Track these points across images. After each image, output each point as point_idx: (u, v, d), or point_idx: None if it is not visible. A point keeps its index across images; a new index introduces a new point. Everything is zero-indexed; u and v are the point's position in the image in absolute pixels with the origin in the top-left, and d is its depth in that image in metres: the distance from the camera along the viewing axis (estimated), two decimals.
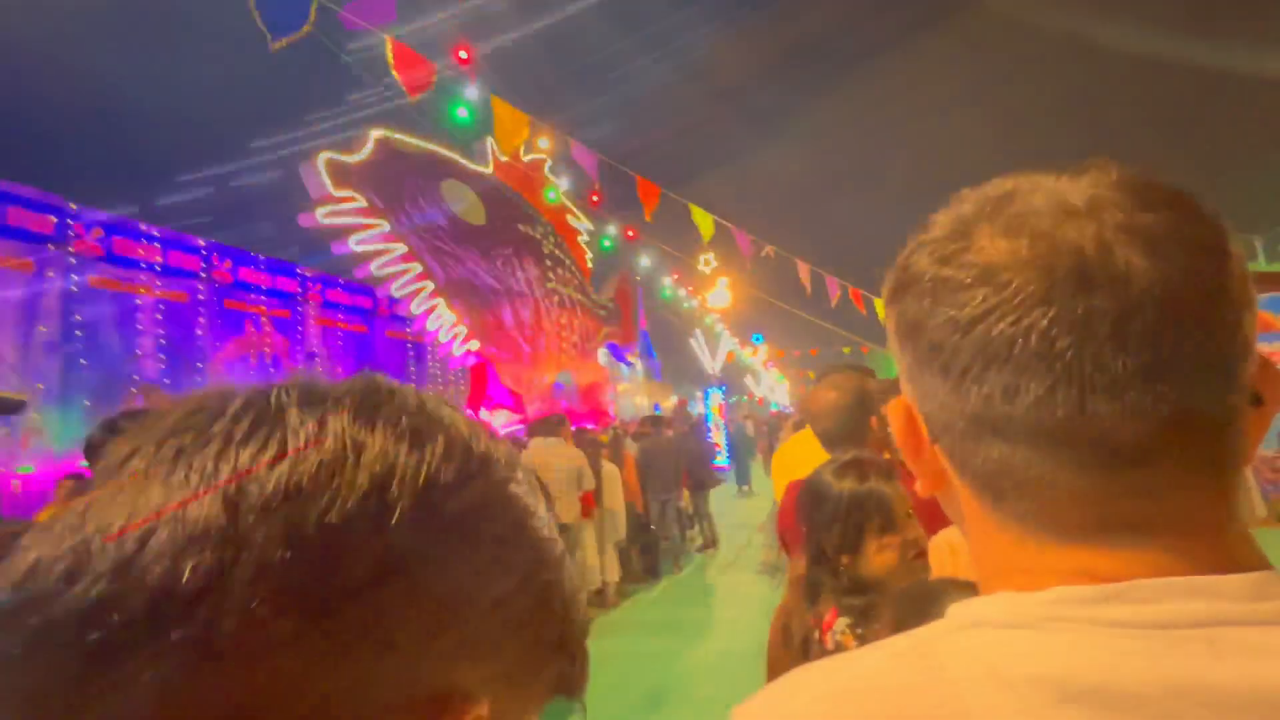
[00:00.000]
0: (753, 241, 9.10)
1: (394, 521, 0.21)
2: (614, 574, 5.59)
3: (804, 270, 9.54)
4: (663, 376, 25.62)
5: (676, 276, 14.61)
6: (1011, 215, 0.32)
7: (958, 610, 0.33)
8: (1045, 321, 0.29)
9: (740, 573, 6.13)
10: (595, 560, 4.99)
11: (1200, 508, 0.31)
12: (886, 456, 2.18)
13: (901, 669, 0.32)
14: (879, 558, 0.98)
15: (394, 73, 4.39)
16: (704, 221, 7.62)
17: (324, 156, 9.32)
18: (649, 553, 6.23)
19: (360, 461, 0.21)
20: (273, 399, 0.23)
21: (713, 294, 14.32)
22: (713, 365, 21.40)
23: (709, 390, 18.91)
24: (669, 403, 20.62)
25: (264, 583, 0.18)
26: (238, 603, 0.18)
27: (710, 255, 13.47)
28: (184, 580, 0.17)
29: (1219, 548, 0.31)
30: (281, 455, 0.20)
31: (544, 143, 9.70)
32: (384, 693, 0.20)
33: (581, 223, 14.89)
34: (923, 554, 1.02)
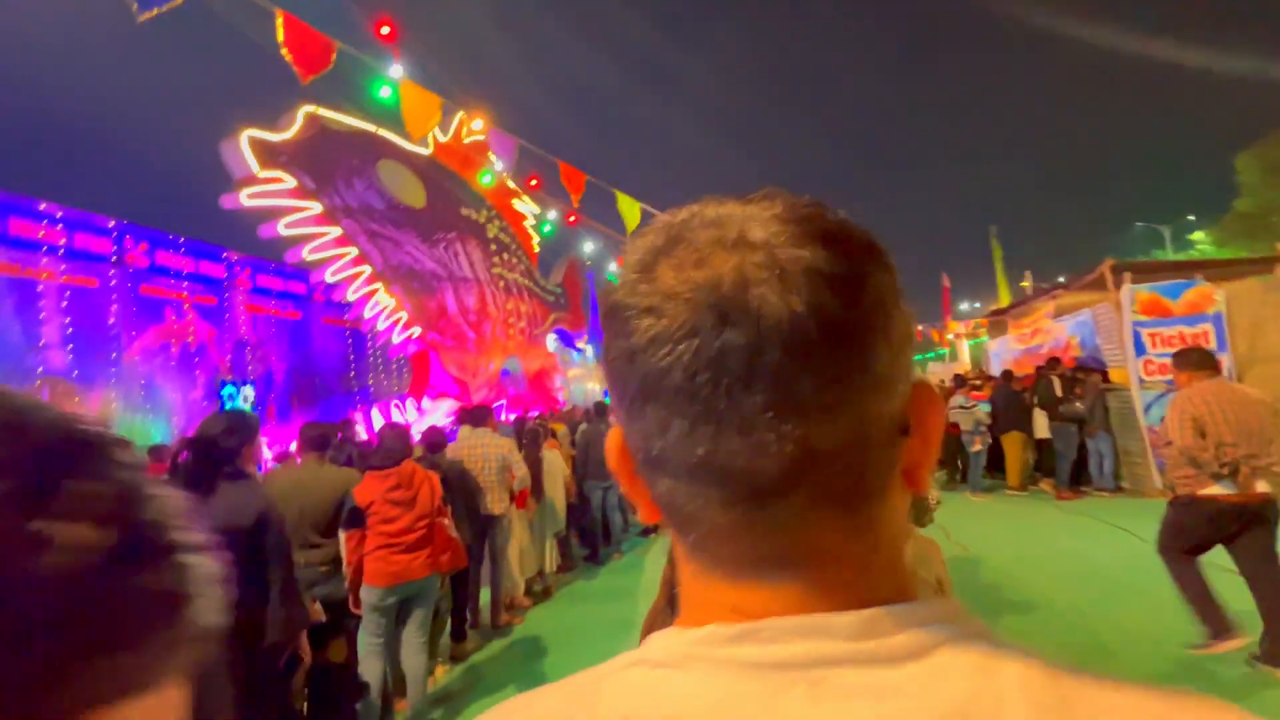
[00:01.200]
0: None
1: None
2: (552, 563, 5.58)
3: None
4: None
5: (622, 262, 14.55)
6: (680, 246, 0.32)
7: (639, 648, 0.34)
8: (689, 357, 0.30)
9: None
10: (530, 549, 4.97)
11: (835, 542, 0.32)
12: None
13: (566, 708, 0.33)
14: None
15: (284, 51, 3.97)
16: (630, 210, 7.57)
17: (247, 134, 8.83)
18: (589, 539, 6.25)
19: None
20: None
21: None
22: None
23: None
24: None
25: None
26: None
27: None
28: None
29: (853, 582, 0.32)
30: None
31: (478, 123, 9.41)
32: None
33: (528, 206, 14.64)
34: None
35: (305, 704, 2.55)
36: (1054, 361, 8.40)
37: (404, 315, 10.53)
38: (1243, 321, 7.38)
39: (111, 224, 9.17)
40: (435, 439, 4.22)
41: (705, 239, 0.32)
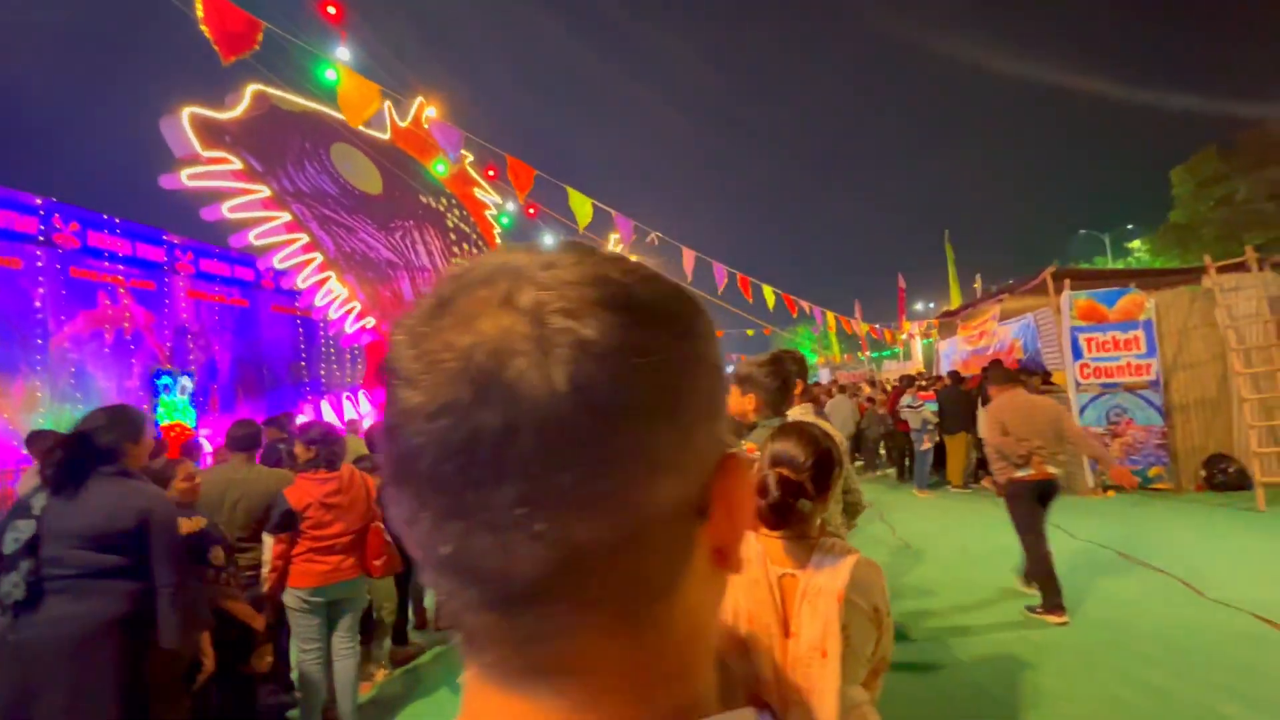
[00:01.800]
0: (635, 227, 9.11)
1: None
2: None
3: (688, 257, 9.70)
4: None
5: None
6: (456, 303, 0.28)
7: None
8: (439, 438, 0.26)
9: None
10: None
11: (606, 651, 0.28)
12: None
13: None
14: None
15: (203, 27, 3.66)
16: (581, 207, 7.49)
17: (188, 111, 8.41)
18: None
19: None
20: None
21: None
22: None
23: None
24: None
25: None
26: None
27: (617, 235, 13.42)
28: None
29: (628, 696, 0.28)
30: None
31: (431, 111, 9.17)
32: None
33: (490, 196, 14.39)
34: None
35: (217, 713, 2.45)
36: (996, 363, 8.72)
37: (358, 304, 10.23)
38: (1171, 329, 7.79)
39: (39, 201, 8.64)
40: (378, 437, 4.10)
41: (478, 298, 0.28)
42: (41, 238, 8.60)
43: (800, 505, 1.25)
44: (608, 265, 0.30)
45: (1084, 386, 7.92)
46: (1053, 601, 3.88)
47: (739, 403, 2.27)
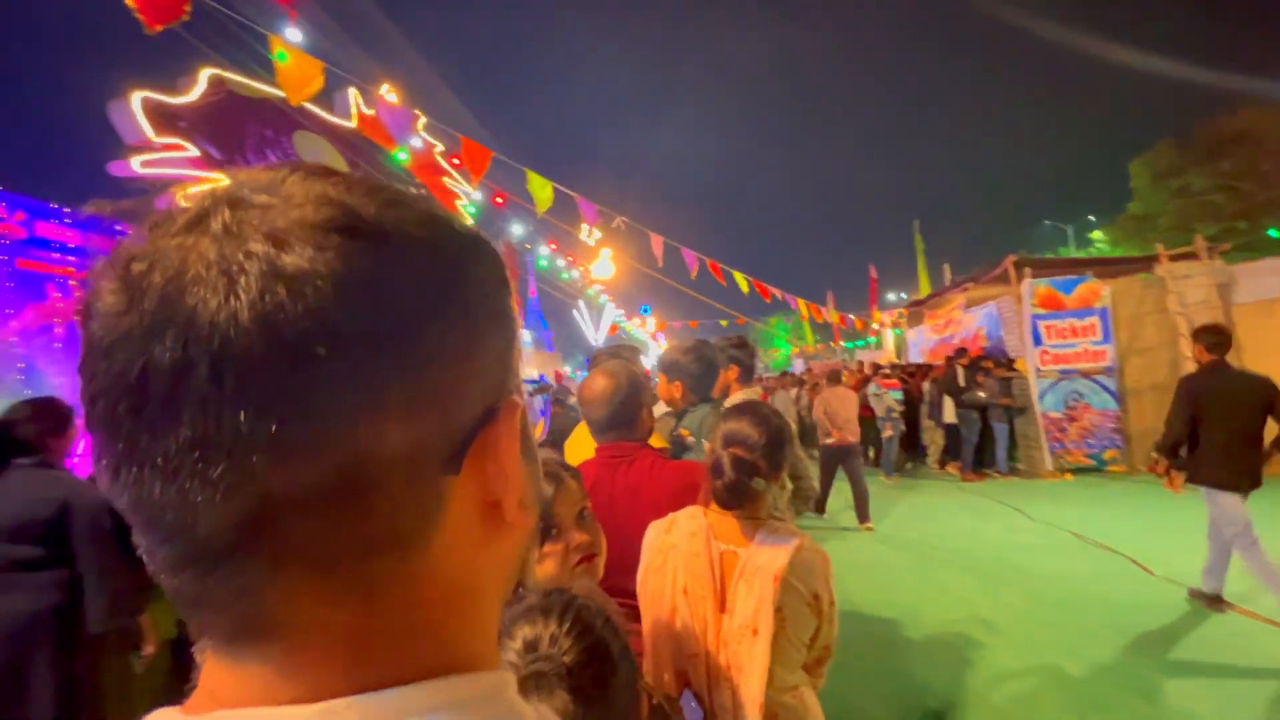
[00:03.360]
0: (599, 212, 9.06)
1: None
2: None
3: (656, 242, 9.67)
4: (554, 347, 25.36)
5: (555, 246, 14.35)
6: (165, 220, 0.25)
7: None
8: (111, 377, 0.24)
9: None
10: None
11: (311, 613, 0.25)
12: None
13: None
14: (538, 568, 0.97)
15: (128, 2, 3.49)
16: (541, 190, 7.40)
17: (139, 95, 8.10)
18: None
19: None
20: None
21: (596, 265, 14.24)
22: (595, 337, 21.41)
23: (588, 361, 18.99)
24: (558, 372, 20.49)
25: None
26: None
27: (594, 224, 13.33)
28: None
29: (338, 658, 0.26)
30: None
31: (392, 97, 9.00)
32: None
33: (460, 185, 14.16)
34: (590, 558, 1.03)
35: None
36: (961, 352, 8.90)
37: None
38: (1125, 315, 8.03)
39: None
40: None
41: (184, 217, 0.25)
42: None
43: (754, 484, 1.26)
44: (347, 188, 0.27)
45: (1043, 373, 8.14)
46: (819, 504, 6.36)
47: (666, 389, 2.34)
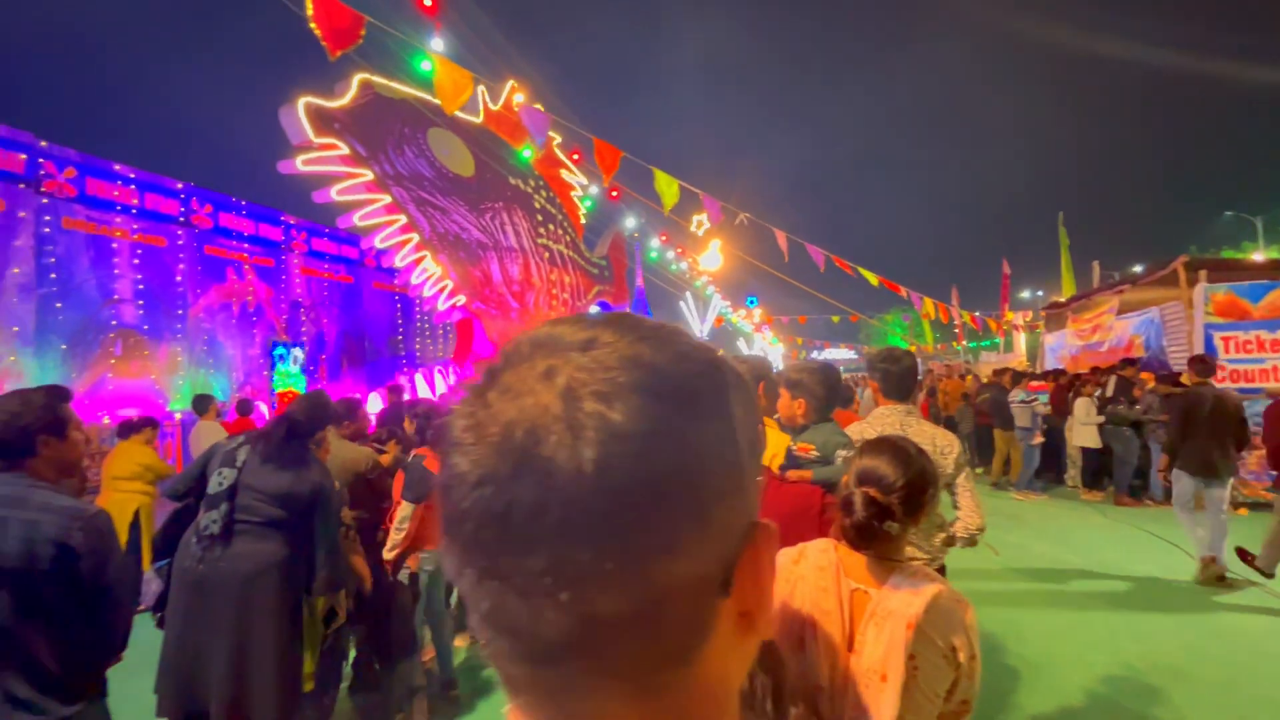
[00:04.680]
0: (723, 208, 8.91)
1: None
2: None
3: (781, 238, 9.39)
4: None
5: (665, 238, 14.39)
6: (506, 373, 0.31)
7: None
8: (481, 507, 0.28)
9: None
10: None
11: (616, 711, 0.30)
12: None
13: None
14: None
15: (312, 25, 3.95)
16: (668, 189, 7.39)
17: (304, 100, 9.04)
18: None
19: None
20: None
21: (704, 256, 14.14)
22: (701, 328, 21.32)
23: None
24: None
25: None
26: None
27: (703, 216, 13.24)
28: None
29: None
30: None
31: (519, 97, 9.34)
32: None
33: (576, 177, 14.58)
34: None
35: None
36: (1128, 362, 7.89)
37: (449, 283, 10.74)
38: None
39: (180, 186, 9.59)
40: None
41: (522, 372, 0.30)
42: (182, 219, 9.56)
43: (887, 528, 1.21)
44: (643, 344, 0.31)
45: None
46: None
47: (788, 406, 2.39)
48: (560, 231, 14.48)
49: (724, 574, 0.31)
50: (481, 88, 11.88)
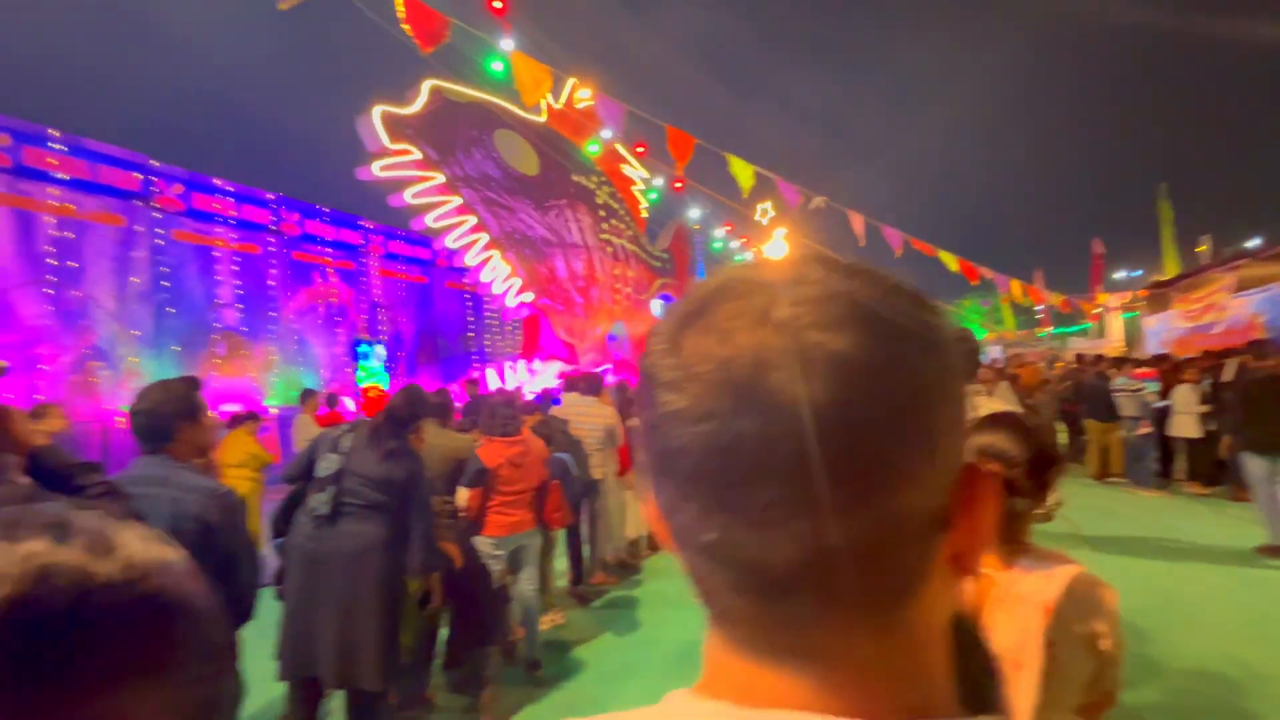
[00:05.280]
0: (799, 191, 8.69)
1: (96, 605, 0.29)
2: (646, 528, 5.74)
3: (857, 221, 9.07)
4: None
5: (730, 228, 14.22)
6: (706, 317, 0.31)
7: (659, 706, 0.34)
8: (703, 442, 0.29)
9: None
10: (625, 516, 5.12)
11: (851, 643, 0.30)
12: None
13: None
14: None
15: (405, 26, 4.27)
16: (743, 173, 7.29)
17: (379, 109, 9.48)
18: None
19: None
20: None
21: (768, 245, 13.90)
22: None
23: None
24: None
25: None
26: None
27: (768, 204, 13.00)
28: None
29: (872, 687, 0.30)
30: None
31: (585, 93, 9.43)
32: None
33: (637, 171, 14.63)
34: None
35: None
36: (1259, 344, 7.12)
37: (517, 280, 11.03)
38: None
39: (271, 196, 10.26)
40: (545, 400, 4.47)
41: (730, 311, 0.30)
42: (272, 227, 10.22)
43: (1015, 505, 1.15)
44: (854, 280, 0.31)
45: None
46: None
47: None
48: (622, 226, 14.58)
49: (944, 510, 0.31)
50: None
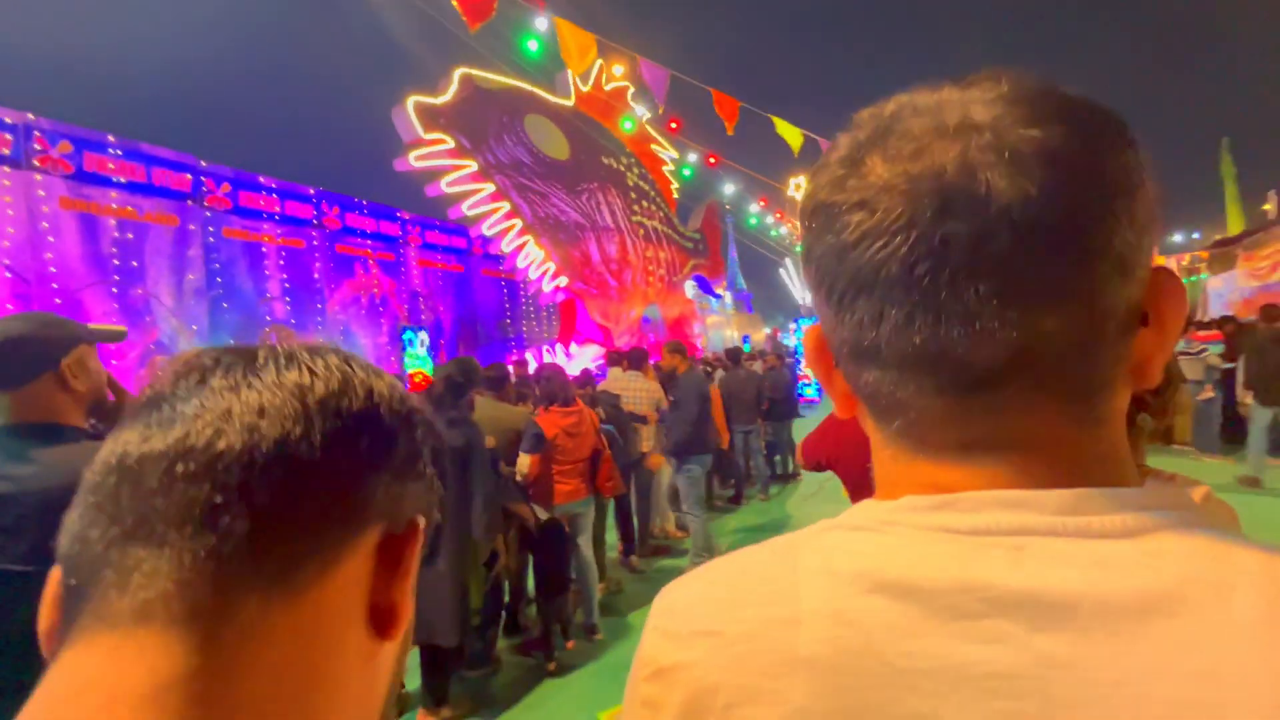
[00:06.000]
0: None
1: (382, 411, 0.32)
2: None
3: None
4: (754, 308, 25.13)
5: (764, 203, 14.01)
6: (893, 137, 0.31)
7: (839, 516, 0.36)
8: (906, 248, 0.30)
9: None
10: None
11: (1051, 430, 0.31)
12: None
13: (774, 560, 0.36)
14: None
15: (454, 3, 4.29)
16: (790, 135, 7.16)
17: (413, 100, 9.59)
18: (729, 481, 6.36)
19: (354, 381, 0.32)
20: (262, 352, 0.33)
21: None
22: (803, 295, 20.66)
23: (800, 320, 18.39)
24: (760, 334, 20.30)
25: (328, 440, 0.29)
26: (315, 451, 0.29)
27: (801, 179, 12.76)
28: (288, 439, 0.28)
29: (1066, 467, 0.31)
30: (313, 374, 0.31)
31: (619, 69, 9.38)
32: (407, 506, 0.33)
33: (667, 151, 14.50)
34: None
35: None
36: (1268, 308, 6.73)
37: (552, 265, 11.10)
38: None
39: (312, 192, 10.53)
40: (585, 379, 4.52)
41: (920, 128, 0.31)
42: (315, 222, 10.50)
43: (1140, 422, 1.12)
44: (1044, 84, 0.32)
45: None
46: None
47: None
48: (654, 208, 14.50)
49: (1142, 308, 0.32)
50: (570, 71, 12.07)
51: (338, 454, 0.29)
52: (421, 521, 0.34)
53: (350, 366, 0.32)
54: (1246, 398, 5.76)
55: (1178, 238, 25.70)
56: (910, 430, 0.33)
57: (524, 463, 3.14)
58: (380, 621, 0.31)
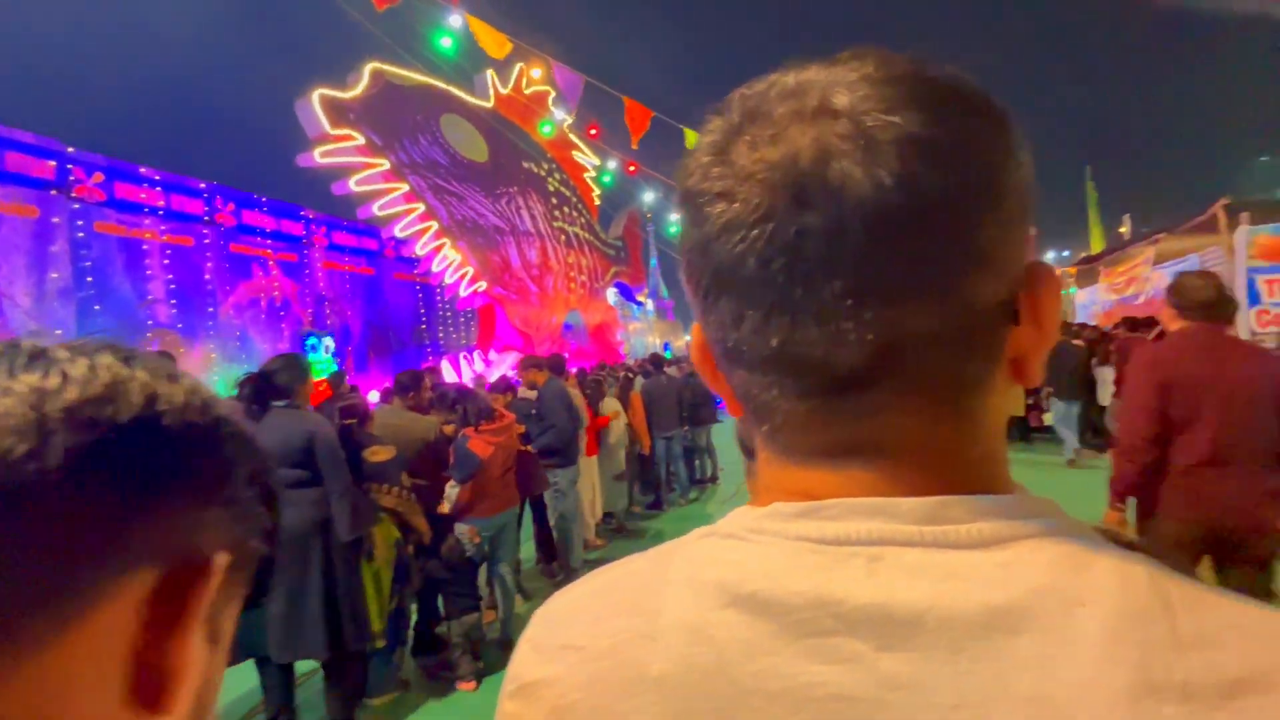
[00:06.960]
0: None
1: (166, 422, 0.27)
2: (618, 503, 5.76)
3: None
4: (675, 315, 25.53)
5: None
6: (758, 122, 0.29)
7: (718, 521, 0.34)
8: (763, 243, 0.28)
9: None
10: (596, 492, 5.13)
11: (919, 430, 0.30)
12: None
13: (648, 569, 0.34)
14: None
15: None
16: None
17: (318, 93, 9.07)
18: (650, 487, 6.40)
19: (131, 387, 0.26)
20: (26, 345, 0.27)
21: None
22: None
23: None
24: (681, 341, 20.65)
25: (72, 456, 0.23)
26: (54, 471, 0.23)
27: None
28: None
29: (934, 471, 0.30)
30: (64, 377, 0.25)
31: (537, 73, 9.29)
32: (205, 539, 0.27)
33: (588, 158, 14.49)
34: None
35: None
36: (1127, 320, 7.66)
37: (470, 270, 10.79)
38: None
39: (203, 186, 9.72)
40: (505, 385, 4.41)
41: (783, 111, 0.29)
42: (206, 218, 9.69)
43: None
44: (913, 64, 0.29)
45: (1260, 335, 6.90)
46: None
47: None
48: (575, 214, 14.44)
49: (1012, 304, 0.30)
50: (490, 71, 11.83)
51: (86, 477, 0.23)
52: (221, 559, 0.27)
53: (130, 368, 0.27)
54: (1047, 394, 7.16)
55: (1050, 255, 28.55)
56: (779, 434, 0.32)
57: (455, 494, 3.00)
58: (148, 689, 0.25)
